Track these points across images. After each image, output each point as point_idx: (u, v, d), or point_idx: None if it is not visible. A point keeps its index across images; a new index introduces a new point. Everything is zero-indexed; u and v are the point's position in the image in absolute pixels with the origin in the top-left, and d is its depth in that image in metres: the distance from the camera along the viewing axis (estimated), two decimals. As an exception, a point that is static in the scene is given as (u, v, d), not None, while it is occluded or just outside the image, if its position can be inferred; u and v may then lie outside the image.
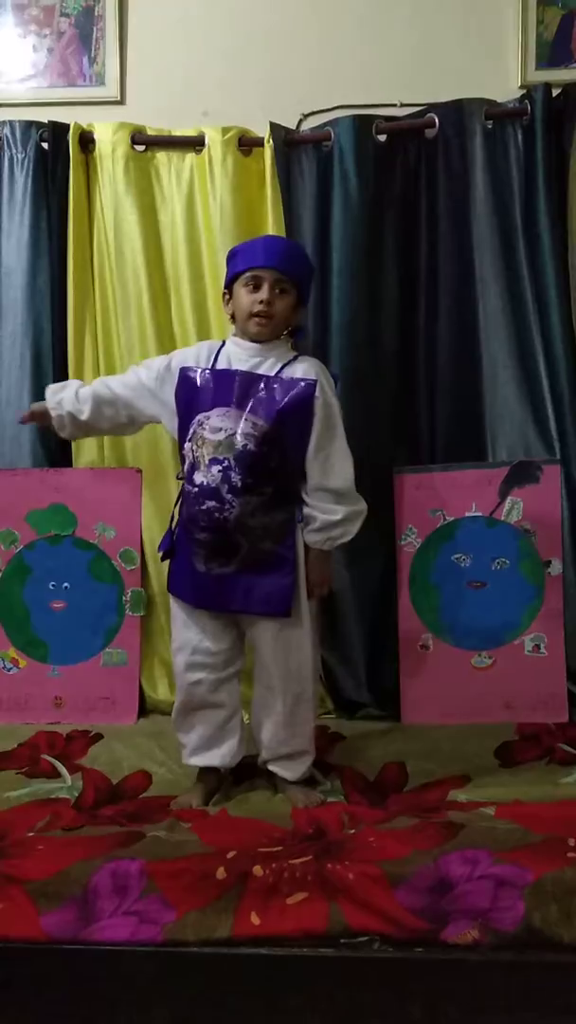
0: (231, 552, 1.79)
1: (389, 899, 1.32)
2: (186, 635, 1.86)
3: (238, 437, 1.75)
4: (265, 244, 1.87)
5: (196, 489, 1.77)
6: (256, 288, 1.80)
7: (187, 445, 1.82)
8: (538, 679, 2.30)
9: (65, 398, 2.00)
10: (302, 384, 1.80)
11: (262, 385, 1.80)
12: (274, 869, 1.38)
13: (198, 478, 1.77)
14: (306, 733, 1.89)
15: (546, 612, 2.33)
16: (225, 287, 1.90)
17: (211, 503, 1.75)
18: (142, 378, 1.95)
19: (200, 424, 1.79)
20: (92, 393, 1.98)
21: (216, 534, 1.77)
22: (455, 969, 1.27)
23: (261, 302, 1.79)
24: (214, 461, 1.75)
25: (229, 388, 1.79)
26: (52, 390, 2.05)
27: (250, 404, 1.78)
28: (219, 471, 1.75)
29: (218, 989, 1.30)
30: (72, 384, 2.05)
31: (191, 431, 1.81)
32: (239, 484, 1.75)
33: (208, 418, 1.79)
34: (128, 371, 2.05)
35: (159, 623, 2.46)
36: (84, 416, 1.98)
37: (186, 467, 1.82)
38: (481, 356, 2.44)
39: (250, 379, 1.81)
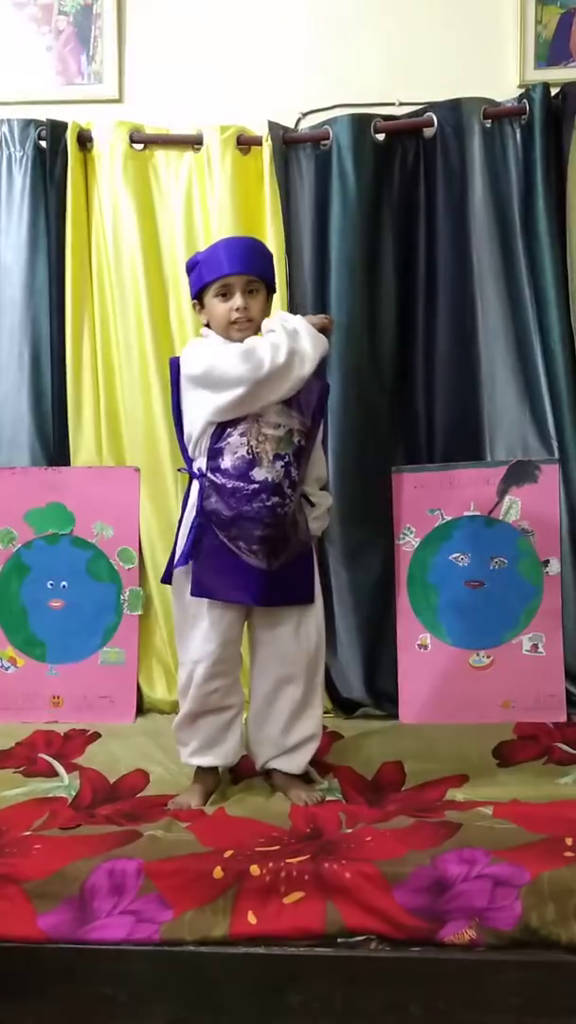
0: (284, 546, 1.79)
1: (386, 899, 1.32)
2: (206, 647, 1.81)
3: (295, 434, 1.77)
4: (227, 249, 1.84)
5: (256, 486, 1.73)
6: (228, 296, 1.79)
7: (235, 439, 1.74)
8: (536, 679, 2.30)
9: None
10: (324, 382, 1.90)
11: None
12: (271, 869, 1.37)
13: (259, 474, 1.73)
14: (315, 716, 1.89)
15: (544, 611, 2.32)
16: (193, 297, 1.87)
17: (275, 499, 1.74)
18: None
19: (256, 419, 1.75)
20: None
21: (277, 529, 1.76)
22: (452, 969, 1.27)
23: (237, 309, 1.78)
24: (278, 457, 1.74)
25: None
26: None
27: (295, 401, 1.78)
28: (282, 466, 1.75)
29: (215, 988, 1.30)
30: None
31: (243, 424, 1.75)
32: (296, 478, 1.77)
33: (264, 413, 1.76)
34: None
35: (157, 622, 2.46)
36: None
37: (230, 461, 1.74)
38: (479, 355, 2.44)
39: None
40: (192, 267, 1.87)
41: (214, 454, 1.77)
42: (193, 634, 1.83)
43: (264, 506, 1.73)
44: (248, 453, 1.74)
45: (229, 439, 1.76)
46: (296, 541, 1.82)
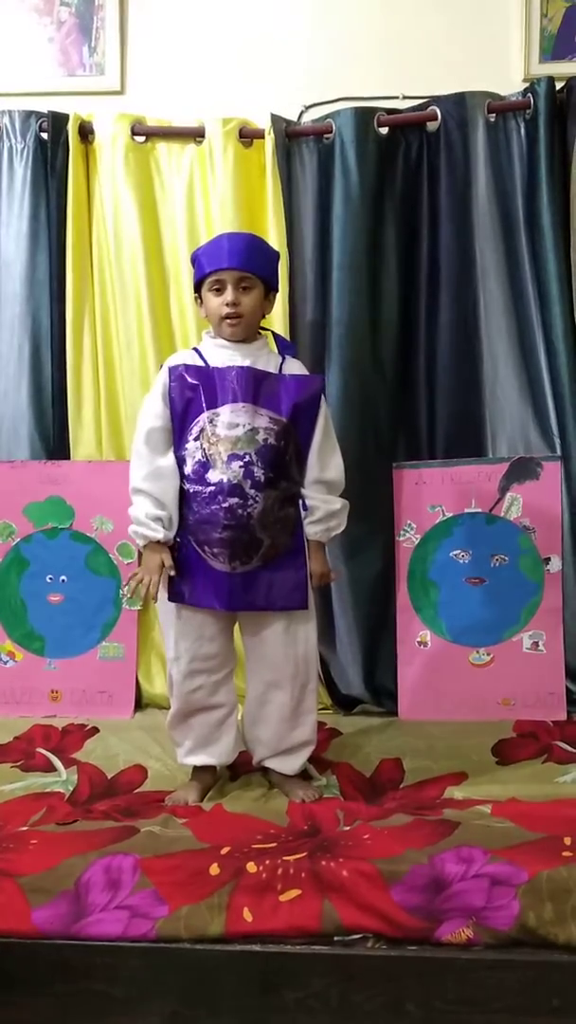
0: (254, 549, 1.75)
1: (383, 897, 1.31)
2: (183, 644, 1.82)
3: (260, 432, 1.74)
4: (223, 244, 1.85)
5: (212, 488, 1.73)
6: (221, 291, 1.80)
7: (191, 444, 1.77)
8: (536, 676, 2.29)
9: (166, 523, 1.78)
10: (314, 380, 1.89)
11: (272, 381, 1.81)
12: (268, 866, 1.37)
13: (214, 476, 1.73)
14: (310, 723, 1.88)
15: (545, 609, 2.32)
16: (195, 290, 1.89)
17: (234, 500, 1.72)
18: (162, 438, 1.81)
19: (211, 421, 1.75)
20: (172, 499, 1.79)
21: (239, 531, 1.73)
22: (449, 968, 1.26)
23: (228, 304, 1.79)
24: (233, 457, 1.72)
25: (239, 384, 1.77)
26: (145, 532, 1.79)
27: (264, 399, 1.78)
28: (240, 467, 1.72)
29: (211, 985, 1.29)
30: (158, 516, 1.78)
31: (196, 429, 1.77)
32: (262, 479, 1.73)
33: (218, 415, 1.76)
34: (146, 455, 1.81)
35: (156, 618, 2.45)
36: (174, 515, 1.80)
37: (191, 467, 1.76)
38: (482, 351, 2.42)
39: (258, 375, 1.80)
40: (194, 260, 1.89)
41: (180, 462, 1.79)
42: (170, 632, 1.85)
43: (221, 507, 1.72)
44: (203, 456, 1.75)
45: (187, 445, 1.78)
46: (276, 544, 1.78)
